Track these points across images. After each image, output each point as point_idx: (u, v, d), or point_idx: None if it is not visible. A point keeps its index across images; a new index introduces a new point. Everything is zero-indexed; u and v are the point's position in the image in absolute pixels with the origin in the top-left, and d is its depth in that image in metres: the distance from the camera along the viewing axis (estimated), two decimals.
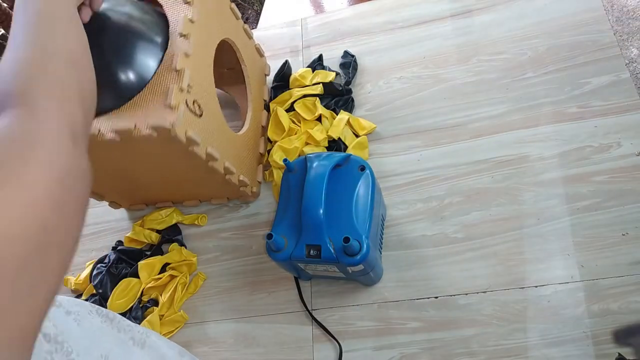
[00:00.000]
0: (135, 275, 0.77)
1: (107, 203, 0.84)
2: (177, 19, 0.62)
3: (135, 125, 0.56)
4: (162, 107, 0.57)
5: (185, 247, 0.80)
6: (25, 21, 0.37)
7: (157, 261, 0.77)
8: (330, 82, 0.84)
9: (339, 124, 0.79)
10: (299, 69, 0.89)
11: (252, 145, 0.80)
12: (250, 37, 0.84)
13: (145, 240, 0.81)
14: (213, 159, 0.65)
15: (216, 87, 0.69)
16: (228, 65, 0.84)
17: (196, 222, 0.82)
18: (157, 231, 0.82)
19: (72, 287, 0.82)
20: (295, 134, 0.81)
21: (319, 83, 0.85)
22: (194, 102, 0.61)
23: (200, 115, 0.62)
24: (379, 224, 0.67)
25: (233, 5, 0.78)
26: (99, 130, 0.57)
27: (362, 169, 0.63)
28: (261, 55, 0.90)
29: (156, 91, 0.58)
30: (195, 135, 0.59)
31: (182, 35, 0.61)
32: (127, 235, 0.83)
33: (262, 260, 0.76)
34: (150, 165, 0.66)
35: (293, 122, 0.82)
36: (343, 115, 0.81)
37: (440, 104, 0.80)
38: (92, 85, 0.38)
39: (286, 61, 0.89)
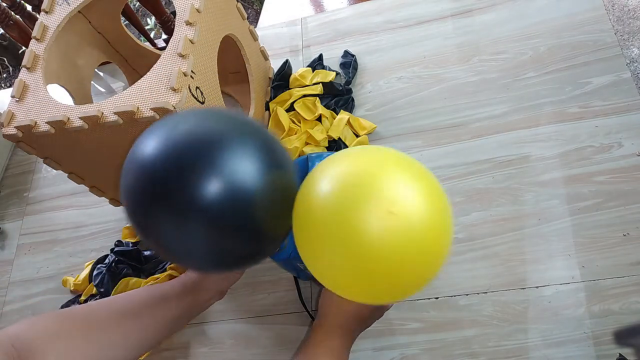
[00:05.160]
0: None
1: (108, 200, 0.83)
2: (184, 7, 0.63)
3: (137, 107, 0.57)
4: (165, 90, 0.58)
5: None
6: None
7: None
8: (331, 82, 0.84)
9: (339, 124, 0.79)
10: (299, 69, 0.88)
11: None
12: (255, 39, 0.84)
13: None
14: None
15: (220, 88, 0.69)
16: (232, 69, 0.84)
17: None
18: None
19: (72, 288, 0.82)
20: (295, 133, 0.81)
21: (319, 83, 0.84)
22: (196, 89, 0.61)
23: (203, 102, 0.62)
24: None
25: (240, 5, 0.78)
26: (102, 113, 0.58)
27: None
28: (266, 58, 0.89)
29: (160, 76, 0.59)
30: None
31: (188, 23, 0.62)
32: (126, 225, 0.83)
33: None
34: None
35: (293, 122, 0.82)
36: (343, 115, 0.80)
37: (440, 104, 0.80)
38: None
39: (286, 61, 0.89)
